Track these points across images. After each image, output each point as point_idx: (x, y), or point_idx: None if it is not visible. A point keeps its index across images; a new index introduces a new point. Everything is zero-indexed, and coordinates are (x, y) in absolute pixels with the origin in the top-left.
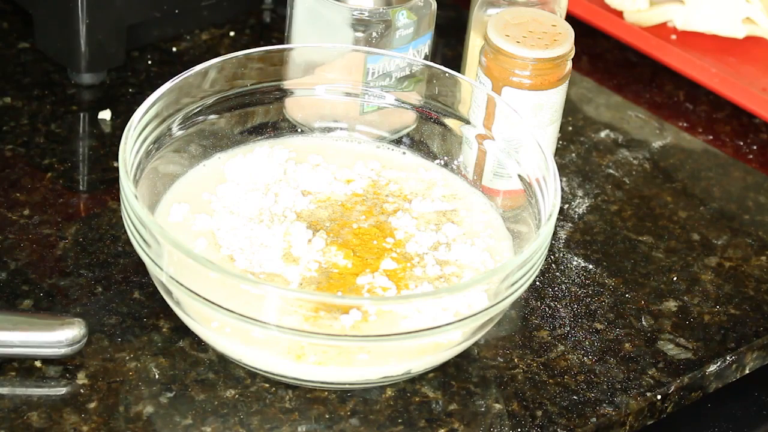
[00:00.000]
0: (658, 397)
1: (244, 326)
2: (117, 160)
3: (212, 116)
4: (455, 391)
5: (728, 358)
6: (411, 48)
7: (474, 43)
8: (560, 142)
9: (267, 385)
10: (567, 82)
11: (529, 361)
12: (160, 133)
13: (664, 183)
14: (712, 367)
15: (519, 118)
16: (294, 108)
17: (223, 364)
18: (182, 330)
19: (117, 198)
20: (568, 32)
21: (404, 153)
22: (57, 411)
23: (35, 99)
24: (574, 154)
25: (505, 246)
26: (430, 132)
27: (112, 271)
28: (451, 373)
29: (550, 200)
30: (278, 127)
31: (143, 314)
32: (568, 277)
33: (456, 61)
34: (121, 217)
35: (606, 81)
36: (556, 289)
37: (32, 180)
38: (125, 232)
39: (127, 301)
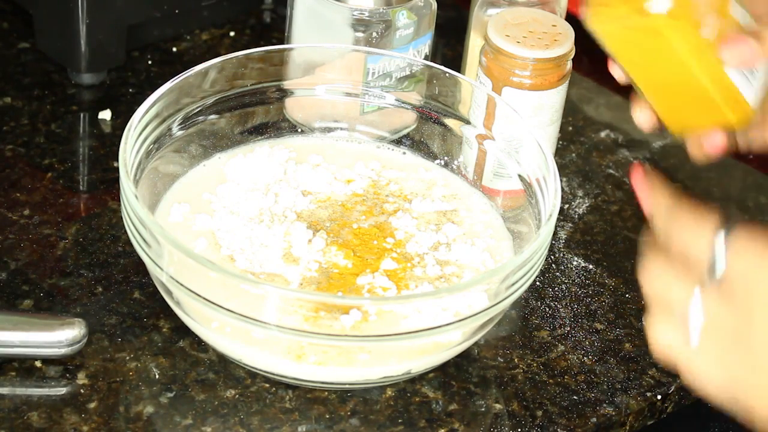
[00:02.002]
0: (658, 397)
1: (244, 326)
2: (117, 160)
3: (212, 116)
4: (455, 391)
5: None
6: (411, 48)
7: (474, 43)
8: (560, 142)
9: (267, 385)
10: (567, 82)
11: (529, 361)
12: (161, 133)
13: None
14: None
15: (519, 118)
16: (294, 108)
17: (223, 364)
18: (182, 330)
19: (117, 198)
20: (569, 32)
21: (404, 153)
22: (57, 411)
23: (35, 99)
24: (574, 154)
25: (505, 246)
26: (431, 132)
27: (112, 271)
28: (451, 373)
29: (551, 200)
30: (278, 127)
31: (143, 314)
32: (568, 277)
33: (456, 61)
34: (121, 217)
35: (606, 81)
36: (556, 289)
37: (32, 180)
38: (125, 232)
39: (127, 301)
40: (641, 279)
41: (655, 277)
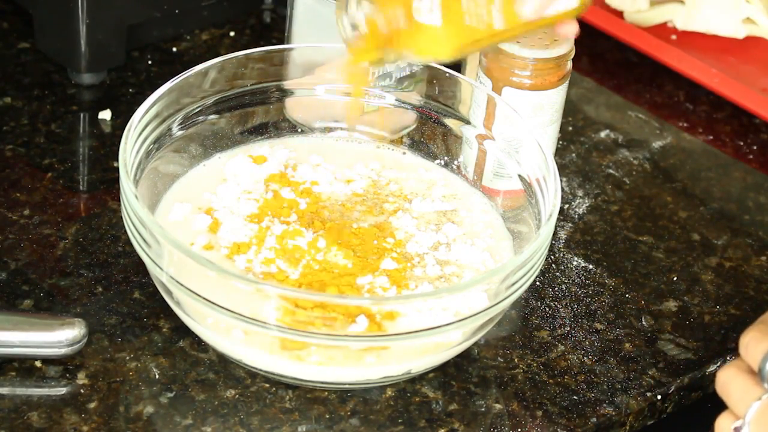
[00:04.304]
0: (658, 397)
1: (244, 326)
2: (117, 160)
3: (212, 116)
4: (455, 391)
5: (728, 358)
6: None
7: None
8: (560, 142)
9: (267, 385)
10: (567, 82)
11: (529, 361)
12: (160, 133)
13: (664, 183)
14: (712, 367)
15: (519, 118)
16: (294, 108)
17: (223, 364)
18: (182, 330)
19: (117, 198)
20: None
21: (404, 153)
22: (57, 411)
23: (35, 99)
24: (574, 154)
25: (505, 246)
26: (431, 132)
27: (112, 271)
28: (451, 373)
29: (550, 200)
30: (278, 127)
31: (143, 314)
32: (568, 277)
33: (456, 62)
34: (121, 217)
35: (606, 81)
36: (556, 289)
37: (32, 180)
38: (125, 232)
39: (127, 301)
40: (719, 376)
41: (731, 379)
